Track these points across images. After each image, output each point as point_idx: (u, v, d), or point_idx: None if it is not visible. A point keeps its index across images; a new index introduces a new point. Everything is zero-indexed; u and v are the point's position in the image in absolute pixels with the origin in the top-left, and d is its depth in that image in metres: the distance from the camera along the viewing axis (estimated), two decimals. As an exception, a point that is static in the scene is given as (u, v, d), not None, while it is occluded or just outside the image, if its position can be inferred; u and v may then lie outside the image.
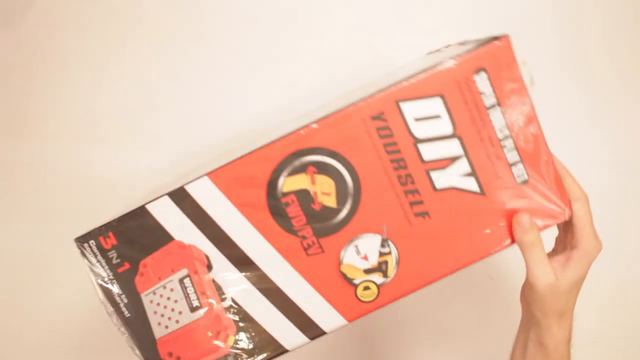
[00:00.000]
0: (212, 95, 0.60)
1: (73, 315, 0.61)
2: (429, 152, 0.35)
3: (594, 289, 0.60)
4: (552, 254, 0.40)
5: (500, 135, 0.35)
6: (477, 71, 0.35)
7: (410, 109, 0.35)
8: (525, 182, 0.36)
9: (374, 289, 0.37)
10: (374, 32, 0.60)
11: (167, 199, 0.35)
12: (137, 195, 0.41)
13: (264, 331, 0.37)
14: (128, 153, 0.60)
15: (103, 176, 0.60)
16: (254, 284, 0.37)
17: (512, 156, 0.36)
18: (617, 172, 0.61)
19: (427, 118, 0.35)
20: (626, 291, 0.62)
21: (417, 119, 0.35)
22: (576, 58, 0.60)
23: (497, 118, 0.35)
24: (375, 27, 0.60)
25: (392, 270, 0.37)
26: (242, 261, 0.36)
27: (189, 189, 0.35)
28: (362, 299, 0.37)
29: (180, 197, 0.35)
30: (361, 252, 0.37)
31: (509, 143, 0.36)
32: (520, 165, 0.36)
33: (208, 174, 0.35)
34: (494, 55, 0.35)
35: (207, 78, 0.60)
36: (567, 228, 0.39)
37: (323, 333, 0.38)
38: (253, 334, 0.37)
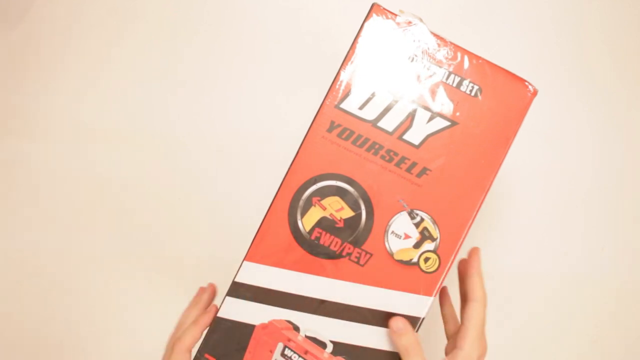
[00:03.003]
0: (209, 96, 0.60)
1: (71, 314, 0.60)
2: (389, 123, 0.39)
3: (593, 289, 0.63)
4: (446, 350, 0.41)
5: (436, 73, 0.39)
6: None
7: (350, 104, 0.39)
8: (479, 91, 0.39)
9: (433, 255, 0.39)
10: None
11: (228, 299, 0.39)
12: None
13: (375, 350, 0.39)
14: (128, 153, 0.60)
15: (102, 176, 0.60)
16: (340, 318, 0.39)
17: (451, 79, 0.39)
18: (617, 173, 0.62)
19: (367, 101, 0.39)
20: (626, 291, 0.62)
21: (360, 108, 0.39)
22: (577, 60, 0.62)
23: (421, 63, 0.40)
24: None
25: (435, 231, 0.39)
26: (318, 306, 0.39)
27: (239, 279, 0.39)
28: (429, 270, 0.39)
29: (237, 290, 0.39)
30: (401, 234, 0.39)
31: (442, 71, 0.39)
32: (466, 81, 0.39)
33: (245, 259, 0.40)
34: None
35: (205, 78, 0.61)
36: (459, 329, 0.40)
37: (421, 319, 0.39)
38: (368, 359, 0.39)
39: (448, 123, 0.39)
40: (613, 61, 0.62)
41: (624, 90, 0.62)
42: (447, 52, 0.40)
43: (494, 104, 0.39)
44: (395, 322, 0.38)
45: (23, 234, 0.60)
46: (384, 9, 0.40)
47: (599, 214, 0.62)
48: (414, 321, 0.39)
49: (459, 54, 0.40)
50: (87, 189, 0.60)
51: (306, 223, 0.39)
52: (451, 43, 0.40)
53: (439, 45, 0.40)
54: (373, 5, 0.40)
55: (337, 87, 0.39)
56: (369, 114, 0.39)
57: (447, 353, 0.40)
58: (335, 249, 0.39)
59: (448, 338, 0.43)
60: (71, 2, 0.61)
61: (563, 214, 0.61)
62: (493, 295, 0.62)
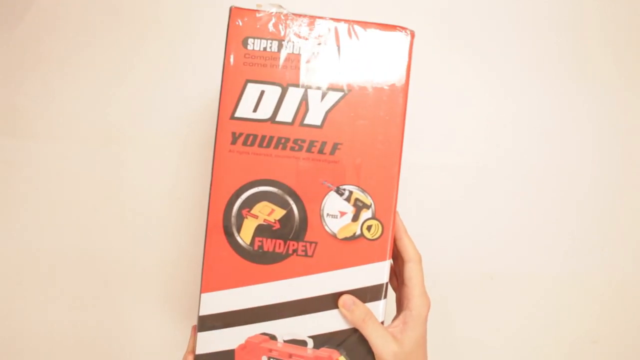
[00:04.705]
0: (208, 97, 0.60)
1: (70, 313, 0.60)
2: (286, 115, 0.39)
3: (593, 289, 0.63)
4: (395, 317, 0.42)
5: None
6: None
7: (243, 111, 0.39)
8: (359, 53, 0.40)
9: (373, 221, 0.40)
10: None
11: (200, 334, 0.40)
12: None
13: (352, 329, 0.40)
14: (127, 153, 0.60)
15: (102, 176, 0.60)
16: (311, 312, 0.40)
17: (329, 51, 0.40)
18: (617, 172, 0.62)
19: (258, 101, 0.39)
20: (626, 291, 0.62)
21: (254, 110, 0.39)
22: (577, 60, 0.62)
23: (298, 46, 0.40)
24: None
25: (367, 199, 0.40)
26: (283, 310, 0.40)
27: (203, 312, 0.40)
28: (375, 237, 0.40)
29: (205, 324, 0.40)
30: (336, 214, 0.40)
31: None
32: (344, 48, 0.40)
33: (202, 291, 0.40)
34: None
35: (205, 79, 0.60)
36: (402, 288, 0.42)
37: (385, 284, 0.40)
38: (349, 340, 0.40)
39: (341, 93, 0.40)
40: (613, 61, 0.62)
41: (624, 89, 0.62)
42: (319, 27, 0.40)
43: (376, 60, 0.40)
44: (343, 301, 0.39)
45: (23, 234, 0.59)
46: (242, 9, 0.40)
47: (598, 213, 0.62)
48: (379, 288, 0.40)
49: (329, 25, 0.40)
50: (87, 189, 0.60)
51: (245, 237, 0.40)
52: (319, 17, 0.40)
53: (308, 24, 0.40)
54: (231, 9, 0.40)
55: (225, 98, 0.40)
56: (264, 113, 0.39)
57: (398, 310, 0.41)
58: (281, 250, 0.40)
59: (394, 290, 0.44)
60: (71, 1, 0.61)
61: (562, 213, 0.61)
62: (493, 296, 0.63)
